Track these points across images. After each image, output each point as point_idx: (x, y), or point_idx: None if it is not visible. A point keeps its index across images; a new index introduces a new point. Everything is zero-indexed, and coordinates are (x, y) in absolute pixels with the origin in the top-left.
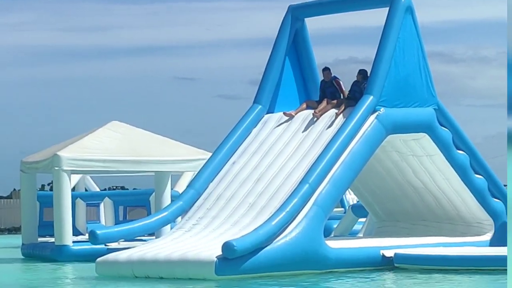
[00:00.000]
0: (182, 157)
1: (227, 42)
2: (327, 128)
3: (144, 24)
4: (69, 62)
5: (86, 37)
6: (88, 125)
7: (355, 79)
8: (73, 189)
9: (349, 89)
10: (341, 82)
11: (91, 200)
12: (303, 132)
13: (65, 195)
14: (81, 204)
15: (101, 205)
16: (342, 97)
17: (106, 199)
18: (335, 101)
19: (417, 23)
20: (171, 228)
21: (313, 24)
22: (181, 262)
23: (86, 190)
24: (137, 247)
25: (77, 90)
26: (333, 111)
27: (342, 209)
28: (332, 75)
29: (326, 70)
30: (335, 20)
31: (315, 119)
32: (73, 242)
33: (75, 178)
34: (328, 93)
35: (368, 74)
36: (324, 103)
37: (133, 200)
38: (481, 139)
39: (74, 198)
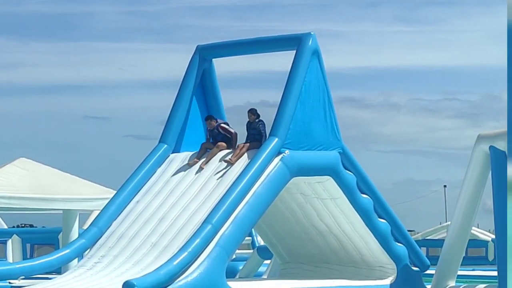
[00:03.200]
0: (89, 196)
1: (138, 82)
2: (230, 169)
3: (56, 63)
4: None
5: None
6: None
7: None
8: None
9: (245, 131)
10: (226, 126)
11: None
12: (208, 172)
13: None
14: None
15: (9, 242)
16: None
17: (15, 236)
18: (247, 144)
19: (323, 67)
20: None
21: (226, 67)
22: None
23: None
24: (38, 285)
25: None
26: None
27: (253, 250)
28: (217, 122)
29: (207, 119)
30: (247, 64)
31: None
32: None
33: None
34: (219, 139)
35: (258, 112)
36: (216, 149)
37: (42, 238)
38: (390, 184)
39: None
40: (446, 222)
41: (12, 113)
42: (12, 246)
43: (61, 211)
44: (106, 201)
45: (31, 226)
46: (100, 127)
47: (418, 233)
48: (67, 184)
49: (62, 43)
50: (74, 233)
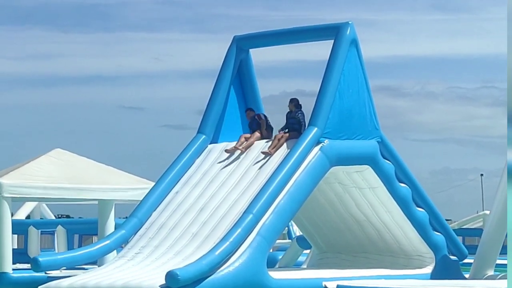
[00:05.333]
0: (124, 186)
1: (174, 72)
2: (270, 159)
3: (91, 53)
4: (14, 89)
5: (32, 65)
6: (31, 152)
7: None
8: (28, 217)
9: (285, 121)
10: (262, 116)
11: (45, 227)
12: (247, 162)
13: (5, 222)
14: (34, 231)
15: (56, 233)
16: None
17: (59, 227)
18: (286, 134)
19: (361, 56)
20: None
21: (261, 56)
22: None
23: (41, 218)
24: (79, 275)
25: (21, 117)
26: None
27: (289, 240)
28: (255, 113)
29: (247, 110)
30: (283, 53)
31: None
32: (14, 269)
33: (31, 205)
34: (255, 126)
35: (300, 103)
36: (254, 137)
37: (87, 228)
38: (427, 173)
39: (27, 225)
40: (483, 211)
41: (47, 104)
42: (57, 237)
43: (96, 202)
44: (142, 191)
45: (67, 216)
46: (136, 117)
47: (454, 222)
48: (102, 174)
49: (98, 33)
50: (110, 223)
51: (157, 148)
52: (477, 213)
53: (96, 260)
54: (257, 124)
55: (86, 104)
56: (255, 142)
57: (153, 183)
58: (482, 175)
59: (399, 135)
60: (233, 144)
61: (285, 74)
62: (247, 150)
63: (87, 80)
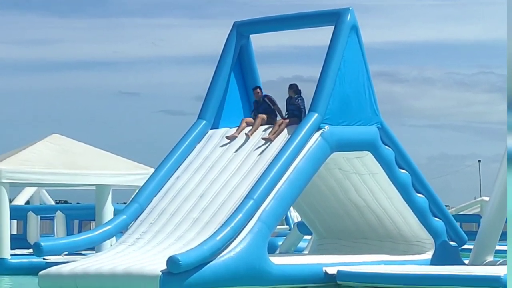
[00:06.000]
0: (122, 171)
1: (172, 58)
2: (271, 145)
3: (88, 39)
4: (11, 74)
5: (29, 50)
6: (29, 137)
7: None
8: (27, 202)
9: (285, 107)
10: (273, 98)
11: (44, 213)
12: (247, 148)
13: (3, 208)
14: (33, 217)
15: (55, 219)
16: (277, 112)
17: (59, 212)
18: (286, 120)
19: (361, 42)
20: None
21: (259, 42)
22: (125, 275)
23: (41, 203)
24: (80, 261)
25: (18, 103)
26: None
27: (287, 226)
28: (263, 93)
29: (256, 88)
30: (281, 39)
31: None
32: (12, 255)
33: (30, 191)
34: (261, 110)
35: (299, 88)
36: (259, 120)
37: (86, 213)
38: (424, 159)
39: (26, 211)
40: (480, 197)
41: (45, 89)
42: (56, 222)
43: (94, 187)
44: (139, 177)
45: (65, 202)
46: (134, 102)
47: (452, 208)
48: (99, 159)
49: (94, 19)
50: (107, 209)
51: (154, 134)
52: (475, 199)
53: (94, 246)
54: (265, 107)
55: (83, 90)
56: (260, 126)
57: (150, 169)
58: (479, 161)
59: (396, 121)
60: (234, 129)
61: (283, 59)
62: (255, 131)
63: (83, 66)
